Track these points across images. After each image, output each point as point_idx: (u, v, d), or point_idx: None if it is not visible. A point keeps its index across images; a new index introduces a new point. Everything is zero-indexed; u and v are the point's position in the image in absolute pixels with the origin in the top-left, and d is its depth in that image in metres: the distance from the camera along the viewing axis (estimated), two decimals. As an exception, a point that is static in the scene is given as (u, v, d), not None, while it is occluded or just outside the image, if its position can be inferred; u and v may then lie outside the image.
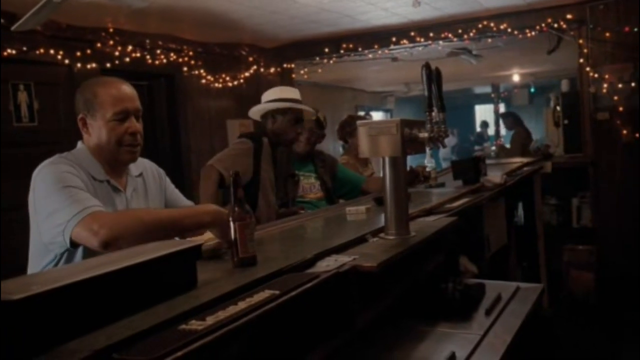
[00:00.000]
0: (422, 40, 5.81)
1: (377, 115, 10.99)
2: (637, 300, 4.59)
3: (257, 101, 3.15)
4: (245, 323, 1.02)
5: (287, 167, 3.11)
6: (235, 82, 6.17)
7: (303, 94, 3.19)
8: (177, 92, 5.66)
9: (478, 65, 7.02)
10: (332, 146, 6.83)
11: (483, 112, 13.17)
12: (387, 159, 1.81)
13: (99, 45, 4.82)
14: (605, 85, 5.15)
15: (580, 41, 5.23)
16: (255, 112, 3.08)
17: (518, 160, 4.77)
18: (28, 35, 4.10)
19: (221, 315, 1.03)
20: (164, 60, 5.38)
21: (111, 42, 4.90)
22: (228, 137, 6.01)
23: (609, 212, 5.23)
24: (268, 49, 6.50)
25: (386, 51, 6.09)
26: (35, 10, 3.15)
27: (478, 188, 3.00)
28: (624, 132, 5.13)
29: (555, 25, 5.30)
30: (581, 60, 5.26)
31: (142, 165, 2.00)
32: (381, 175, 1.88)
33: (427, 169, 3.26)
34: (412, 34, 5.82)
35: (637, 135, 5.07)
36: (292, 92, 3.12)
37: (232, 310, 1.05)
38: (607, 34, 5.11)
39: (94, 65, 4.76)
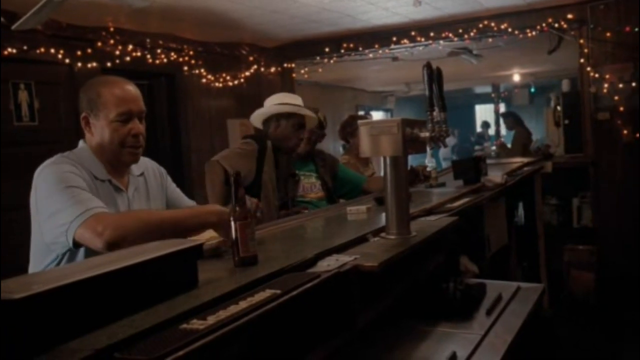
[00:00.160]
0: (423, 40, 5.81)
1: (377, 115, 10.99)
2: (637, 300, 4.59)
3: (258, 101, 3.14)
4: (246, 322, 1.02)
5: (288, 167, 3.11)
6: (236, 82, 6.17)
7: (303, 93, 3.20)
8: (178, 92, 5.66)
9: (478, 65, 7.02)
10: (332, 146, 6.83)
11: (483, 112, 13.17)
12: (388, 159, 1.81)
13: (99, 44, 4.82)
14: (605, 85, 5.15)
15: (581, 41, 5.23)
16: (259, 115, 3.07)
17: (518, 160, 4.76)
18: (29, 34, 4.09)
19: (222, 314, 1.03)
20: (165, 60, 5.38)
21: (112, 42, 4.90)
22: (228, 137, 6.01)
23: (609, 212, 5.24)
24: (268, 49, 6.50)
25: (387, 51, 6.09)
26: (36, 9, 3.14)
27: (478, 188, 3.00)
28: (625, 132, 5.13)
29: (556, 25, 5.30)
30: (582, 60, 5.26)
31: (144, 165, 1.99)
32: (382, 175, 1.88)
33: (428, 169, 3.26)
34: (413, 33, 5.82)
35: (638, 135, 5.07)
36: (296, 99, 3.14)
37: (233, 309, 1.06)
38: (608, 34, 5.11)
39: (94, 64, 4.76)
